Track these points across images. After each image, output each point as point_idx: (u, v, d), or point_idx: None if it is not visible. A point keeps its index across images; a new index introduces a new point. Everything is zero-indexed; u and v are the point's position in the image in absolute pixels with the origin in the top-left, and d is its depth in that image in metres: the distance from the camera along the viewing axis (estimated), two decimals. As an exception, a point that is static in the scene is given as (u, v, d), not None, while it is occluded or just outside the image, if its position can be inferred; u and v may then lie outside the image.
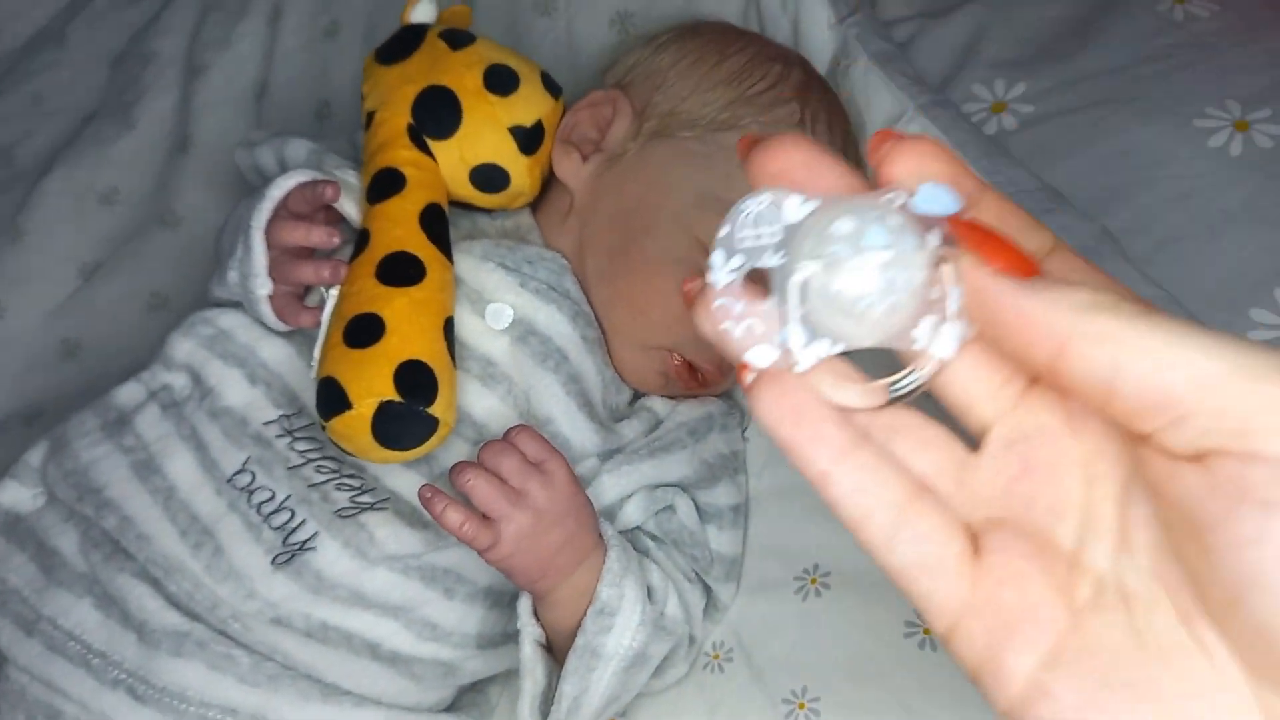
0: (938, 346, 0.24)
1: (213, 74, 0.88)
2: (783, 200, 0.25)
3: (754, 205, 0.25)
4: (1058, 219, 0.60)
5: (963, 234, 0.24)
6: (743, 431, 0.66)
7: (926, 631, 0.56)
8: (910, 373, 0.25)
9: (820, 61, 0.70)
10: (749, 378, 0.25)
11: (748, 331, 0.25)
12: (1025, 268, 0.23)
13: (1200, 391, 0.21)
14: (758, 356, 0.25)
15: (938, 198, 0.25)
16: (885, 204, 0.24)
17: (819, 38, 0.71)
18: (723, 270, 0.25)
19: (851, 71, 0.68)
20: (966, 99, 0.68)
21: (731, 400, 0.67)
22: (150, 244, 0.84)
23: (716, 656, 0.61)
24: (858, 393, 0.25)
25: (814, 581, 0.61)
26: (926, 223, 0.25)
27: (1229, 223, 0.58)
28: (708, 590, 0.61)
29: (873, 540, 0.25)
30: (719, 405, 0.65)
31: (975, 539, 0.25)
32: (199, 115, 0.87)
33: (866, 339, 0.24)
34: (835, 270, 0.24)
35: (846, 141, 0.65)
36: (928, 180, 0.24)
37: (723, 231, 0.25)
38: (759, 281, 0.25)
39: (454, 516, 0.51)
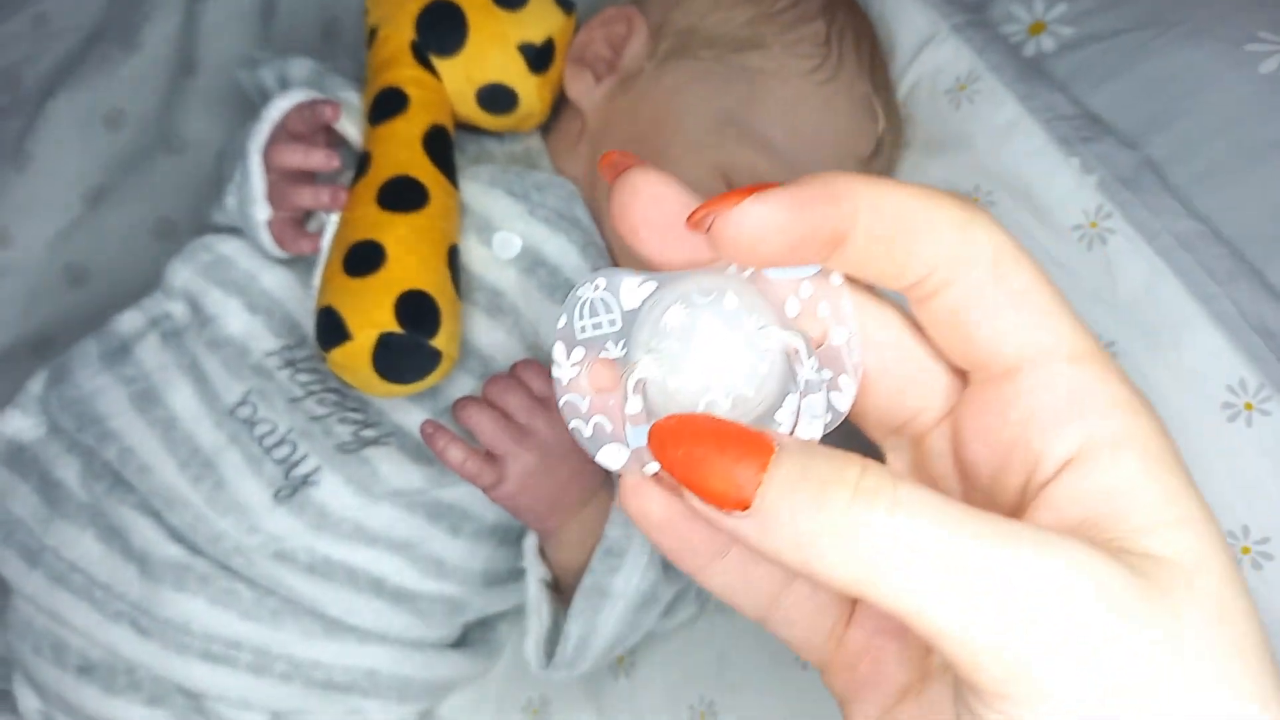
0: (803, 429, 0.22)
1: (219, -8, 0.85)
2: (619, 284, 0.23)
3: (589, 292, 0.23)
4: (1096, 147, 0.57)
5: (660, 455, 0.21)
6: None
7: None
8: None
9: (848, -23, 0.67)
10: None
11: (597, 430, 0.23)
12: (730, 496, 0.20)
13: (958, 646, 0.18)
14: (608, 458, 0.23)
15: (787, 270, 0.23)
16: (726, 280, 0.22)
17: (848, -47, 0.67)
18: (565, 366, 0.23)
19: (882, -12, 0.65)
20: (1004, 19, 0.64)
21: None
22: (156, 169, 0.82)
23: (727, 597, 0.60)
24: None
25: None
26: (783, 287, 0.23)
27: (1277, 154, 0.55)
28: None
29: (748, 617, 0.26)
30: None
31: (853, 601, 0.25)
32: (205, 36, 0.84)
33: None
34: (670, 368, 0.22)
35: (875, 63, 0.61)
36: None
37: (561, 323, 0.23)
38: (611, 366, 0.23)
39: (456, 454, 0.50)
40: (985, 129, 0.60)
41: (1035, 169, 0.58)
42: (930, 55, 0.63)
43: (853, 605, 0.25)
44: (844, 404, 0.23)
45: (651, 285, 0.23)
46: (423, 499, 0.55)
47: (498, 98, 0.58)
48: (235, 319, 0.57)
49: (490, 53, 0.57)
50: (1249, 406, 0.50)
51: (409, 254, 0.51)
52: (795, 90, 0.58)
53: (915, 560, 0.18)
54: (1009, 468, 0.21)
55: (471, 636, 0.61)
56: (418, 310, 0.50)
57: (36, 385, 0.60)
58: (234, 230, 0.60)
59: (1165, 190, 0.56)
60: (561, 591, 0.56)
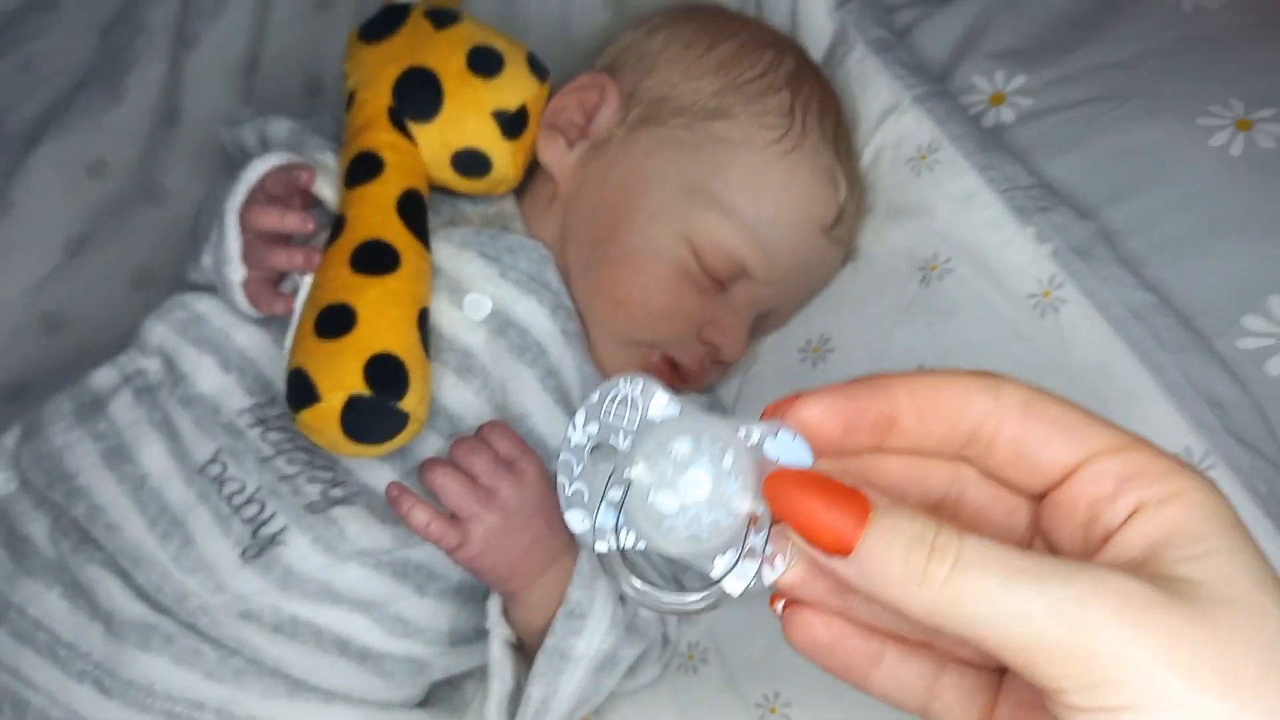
0: (728, 583, 0.27)
1: (203, 46, 0.86)
2: (653, 392, 0.28)
3: (626, 388, 0.28)
4: (1052, 217, 0.58)
5: (776, 502, 0.26)
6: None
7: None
8: (702, 596, 0.27)
9: (818, 48, 0.69)
10: (778, 607, 0.29)
11: (575, 494, 0.28)
12: (835, 543, 0.25)
13: (1016, 654, 0.23)
14: (573, 519, 0.28)
15: (792, 449, 0.27)
16: (736, 439, 0.27)
17: (817, 23, 0.69)
18: (579, 430, 0.28)
19: (847, 59, 0.67)
20: (965, 90, 0.66)
21: (714, 395, 0.66)
22: (136, 219, 0.83)
23: (691, 658, 0.60)
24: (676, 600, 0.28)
25: (793, 582, 0.60)
26: (768, 466, 0.27)
27: (1226, 226, 0.57)
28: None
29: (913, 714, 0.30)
30: (701, 401, 0.64)
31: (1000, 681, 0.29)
32: (188, 88, 0.86)
33: (665, 549, 0.27)
34: (657, 486, 0.27)
35: (838, 132, 0.63)
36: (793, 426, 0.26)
37: (593, 398, 0.28)
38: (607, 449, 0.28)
39: (420, 516, 0.50)
40: (945, 197, 0.61)
41: (992, 238, 0.59)
42: (893, 125, 0.64)
43: (998, 687, 0.29)
44: (769, 579, 0.27)
45: (676, 409, 0.28)
46: (389, 558, 0.55)
47: (472, 162, 0.59)
48: (208, 377, 0.58)
49: (465, 119, 0.58)
50: (1197, 475, 0.51)
51: (379, 317, 0.52)
52: (760, 159, 0.59)
53: (969, 601, 0.24)
54: (1089, 542, 0.26)
55: (437, 695, 0.61)
56: (387, 373, 0.50)
57: (9, 440, 0.60)
58: (209, 288, 0.60)
59: (1117, 261, 0.57)
60: (526, 652, 0.56)
